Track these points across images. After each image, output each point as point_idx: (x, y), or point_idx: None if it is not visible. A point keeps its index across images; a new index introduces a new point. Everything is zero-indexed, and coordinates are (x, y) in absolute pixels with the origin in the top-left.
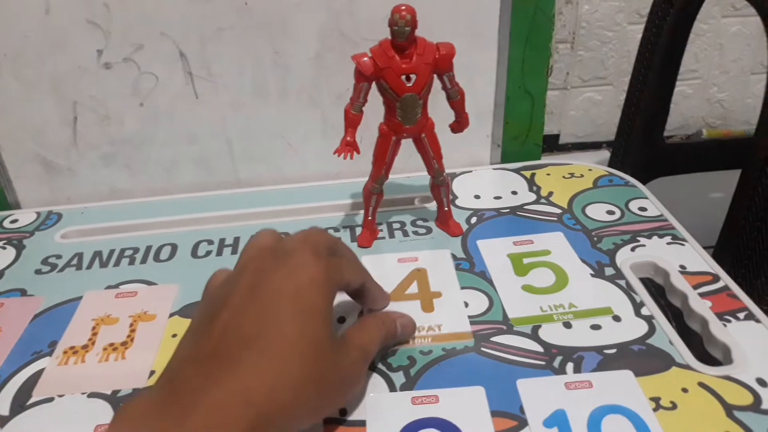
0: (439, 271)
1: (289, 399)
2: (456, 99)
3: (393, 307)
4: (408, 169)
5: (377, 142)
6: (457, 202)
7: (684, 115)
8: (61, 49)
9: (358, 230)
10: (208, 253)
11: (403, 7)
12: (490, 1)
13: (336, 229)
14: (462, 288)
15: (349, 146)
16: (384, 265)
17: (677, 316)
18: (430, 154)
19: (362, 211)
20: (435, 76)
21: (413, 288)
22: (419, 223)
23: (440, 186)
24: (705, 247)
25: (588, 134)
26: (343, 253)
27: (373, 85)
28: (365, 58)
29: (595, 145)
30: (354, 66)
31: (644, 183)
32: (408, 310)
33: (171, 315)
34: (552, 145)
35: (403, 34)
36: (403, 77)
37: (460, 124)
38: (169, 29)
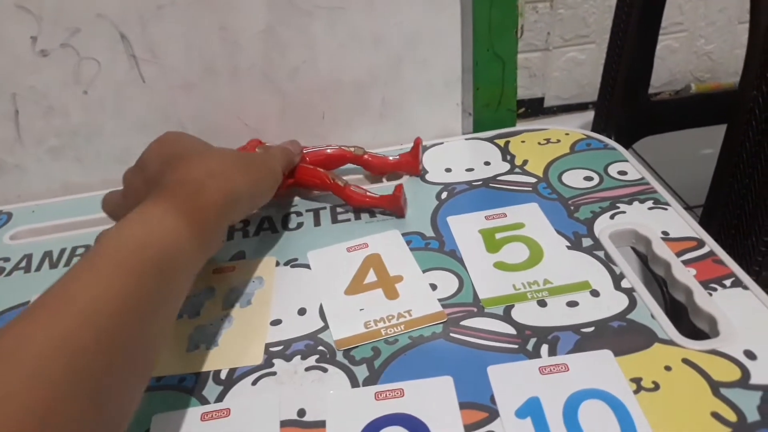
0: (393, 253)
1: (238, 177)
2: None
3: (354, 300)
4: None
5: (300, 173)
6: (427, 176)
7: (671, 70)
8: None
9: (329, 210)
10: None
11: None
12: None
13: (286, 215)
14: (431, 269)
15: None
16: (334, 258)
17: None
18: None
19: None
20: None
21: (371, 277)
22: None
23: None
24: (698, 207)
25: (573, 95)
26: None
27: None
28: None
29: (581, 107)
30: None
31: (631, 144)
32: (371, 301)
33: None
34: (536, 109)
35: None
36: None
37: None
38: (106, 10)
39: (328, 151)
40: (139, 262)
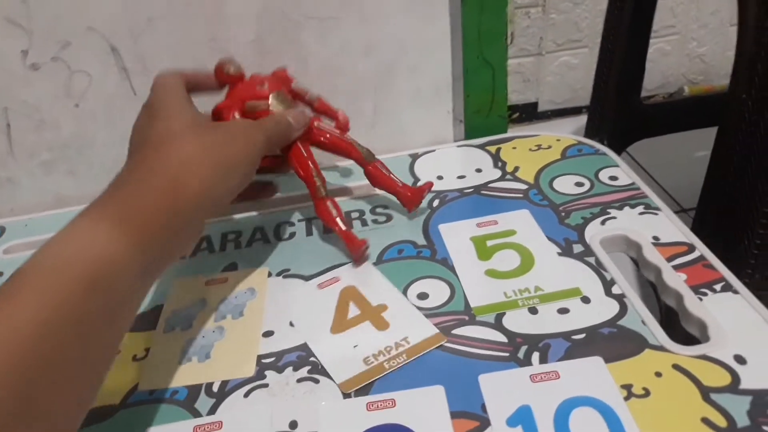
0: (367, 282)
1: (180, 163)
2: (316, 104)
3: (343, 338)
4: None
5: (291, 157)
6: (419, 184)
7: (664, 73)
8: None
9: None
10: None
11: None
12: None
13: (279, 225)
14: (423, 278)
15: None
16: (307, 298)
17: None
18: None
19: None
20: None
21: (353, 310)
22: (354, 214)
23: (373, 163)
24: (693, 209)
25: (567, 100)
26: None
27: None
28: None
29: (575, 111)
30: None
31: (624, 147)
32: (363, 336)
33: None
34: (530, 113)
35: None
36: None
37: (340, 125)
38: (96, 23)
39: (338, 135)
40: (65, 281)
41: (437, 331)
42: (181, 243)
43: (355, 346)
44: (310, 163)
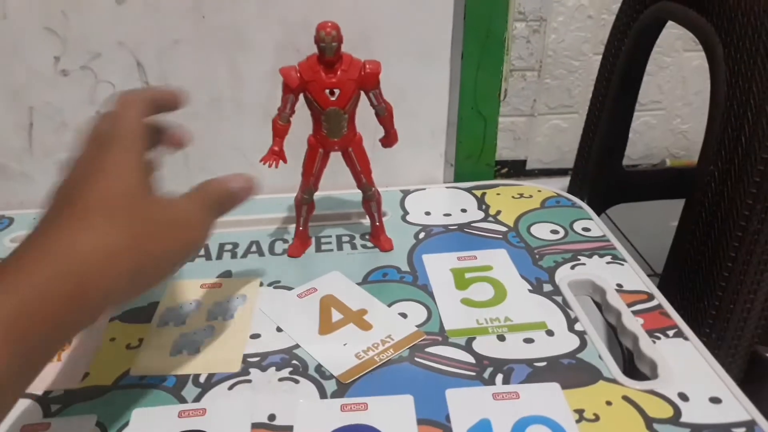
0: (344, 291)
1: (102, 257)
2: (383, 115)
3: (333, 338)
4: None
5: (306, 154)
6: (407, 217)
7: (648, 145)
8: (18, 55)
9: (314, 240)
10: None
11: (329, 24)
12: (442, 23)
13: (274, 240)
14: (403, 300)
15: (275, 155)
16: (287, 306)
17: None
18: (358, 169)
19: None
20: (362, 92)
21: (336, 315)
22: (345, 238)
23: (370, 201)
24: (658, 275)
25: (554, 160)
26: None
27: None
28: (292, 72)
29: (561, 172)
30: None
31: (603, 210)
32: (350, 336)
33: (111, 319)
34: (519, 170)
35: (329, 49)
36: (327, 91)
37: (388, 140)
38: (127, 39)
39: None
40: None
41: (416, 329)
42: (75, 332)
43: (344, 344)
44: (314, 170)
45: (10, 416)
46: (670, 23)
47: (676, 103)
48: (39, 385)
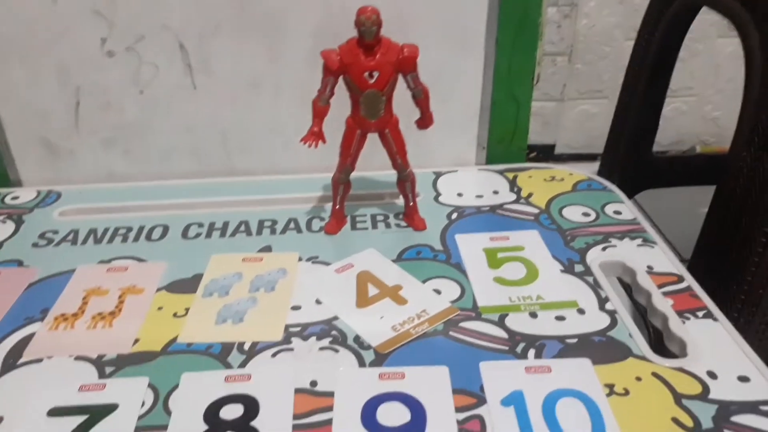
0: (379, 267)
1: None
2: (420, 98)
3: (370, 311)
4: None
5: (344, 135)
6: (440, 198)
7: (679, 131)
8: (67, 37)
9: (349, 219)
10: (198, 235)
11: (369, 8)
12: (478, 8)
13: (311, 218)
14: (437, 277)
15: (315, 135)
16: (325, 280)
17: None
18: (394, 150)
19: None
20: (400, 75)
21: (373, 290)
22: (379, 217)
23: (405, 181)
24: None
25: (583, 146)
26: None
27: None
28: (333, 55)
29: (590, 157)
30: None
31: (632, 195)
32: (386, 310)
33: (158, 290)
34: (547, 154)
35: (369, 33)
36: (366, 74)
37: (424, 122)
38: (171, 22)
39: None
40: None
41: (449, 305)
42: None
43: (381, 317)
44: (352, 151)
45: (67, 376)
46: (704, 9)
47: (708, 90)
48: (94, 349)
